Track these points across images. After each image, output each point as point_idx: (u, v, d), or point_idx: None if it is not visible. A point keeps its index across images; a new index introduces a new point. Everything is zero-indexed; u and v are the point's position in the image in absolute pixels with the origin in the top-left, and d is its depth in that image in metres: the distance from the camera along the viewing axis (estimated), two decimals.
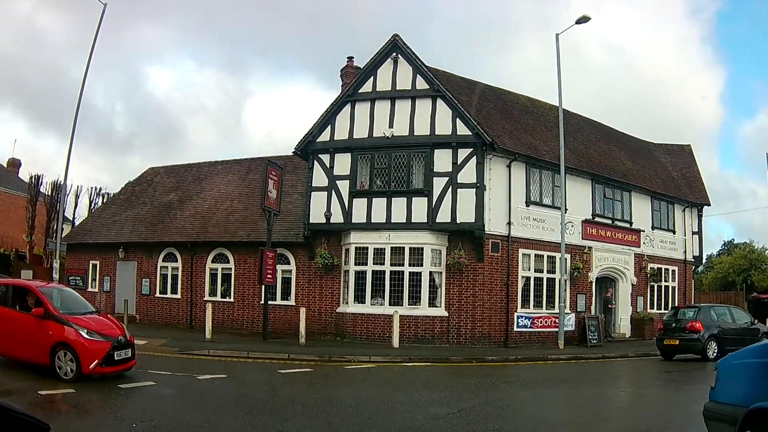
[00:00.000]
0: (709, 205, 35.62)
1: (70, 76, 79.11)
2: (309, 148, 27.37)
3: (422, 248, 25.32)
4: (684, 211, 34.76)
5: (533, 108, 31.50)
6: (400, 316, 24.16)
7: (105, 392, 12.95)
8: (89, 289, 34.12)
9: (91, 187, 57.87)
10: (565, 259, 26.21)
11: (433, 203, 25.28)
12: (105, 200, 46.41)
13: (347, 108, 27.15)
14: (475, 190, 24.99)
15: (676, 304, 30.77)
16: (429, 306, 25.23)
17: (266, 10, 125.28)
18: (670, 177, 35.59)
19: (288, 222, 28.74)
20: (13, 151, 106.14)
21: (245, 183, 33.47)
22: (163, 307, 31.84)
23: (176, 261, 31.64)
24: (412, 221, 25.47)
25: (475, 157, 25.19)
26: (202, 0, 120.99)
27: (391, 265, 25.48)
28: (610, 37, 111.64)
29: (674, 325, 23.22)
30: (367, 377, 17.56)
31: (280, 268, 27.83)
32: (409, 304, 25.12)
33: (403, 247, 25.43)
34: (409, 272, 25.28)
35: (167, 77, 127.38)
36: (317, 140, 27.25)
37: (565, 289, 26.18)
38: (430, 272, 25.32)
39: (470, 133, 25.16)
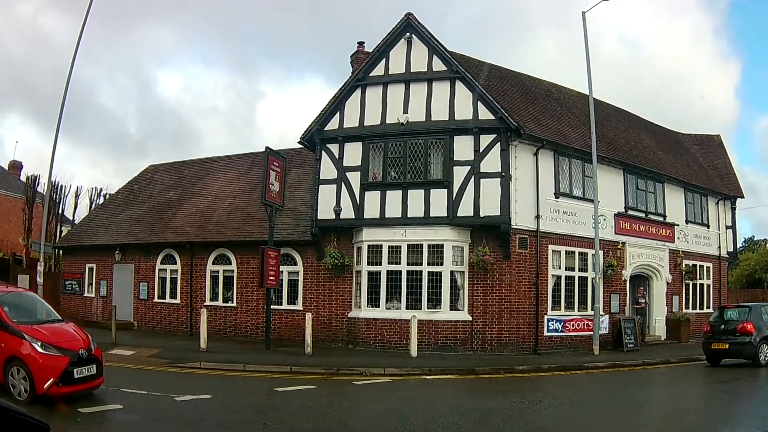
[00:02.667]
0: (742, 197, 32.14)
1: (79, 78, 76.12)
2: (316, 138, 23.86)
3: (442, 245, 21.89)
4: (717, 204, 31.19)
5: (558, 94, 28.06)
6: (418, 321, 20.72)
7: (56, 419, 10.07)
8: (86, 294, 31.09)
9: (92, 188, 54.19)
10: (599, 255, 22.84)
11: (454, 195, 21.87)
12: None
13: (357, 93, 23.73)
14: (499, 180, 21.55)
15: (722, 304, 27.18)
16: (450, 309, 21.79)
17: (275, 9, 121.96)
18: (701, 168, 32.05)
19: (295, 219, 25.44)
20: (15, 154, 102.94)
21: (249, 178, 29.96)
22: (162, 313, 28.32)
23: (175, 263, 28.14)
24: (431, 215, 22.06)
25: (499, 143, 21.76)
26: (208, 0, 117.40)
27: (408, 264, 22.07)
28: (624, 30, 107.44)
29: (723, 327, 19.83)
30: (380, 397, 14.15)
31: (285, 269, 24.61)
32: (428, 308, 21.69)
33: (421, 245, 22.02)
34: (428, 272, 21.85)
35: (177, 79, 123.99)
36: (325, 129, 23.80)
37: (599, 290, 22.80)
38: (452, 272, 21.89)
39: (493, 118, 21.75)
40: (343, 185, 23.41)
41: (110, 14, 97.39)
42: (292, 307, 24.78)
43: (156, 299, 28.70)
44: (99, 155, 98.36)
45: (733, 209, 32.13)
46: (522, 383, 16.22)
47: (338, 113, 23.86)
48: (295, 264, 24.97)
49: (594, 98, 23.55)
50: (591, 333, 22.52)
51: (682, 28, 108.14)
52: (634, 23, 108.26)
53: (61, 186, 43.24)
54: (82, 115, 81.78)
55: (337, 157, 23.71)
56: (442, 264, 21.88)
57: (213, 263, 27.08)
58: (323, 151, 23.97)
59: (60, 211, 43.43)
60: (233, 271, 26.49)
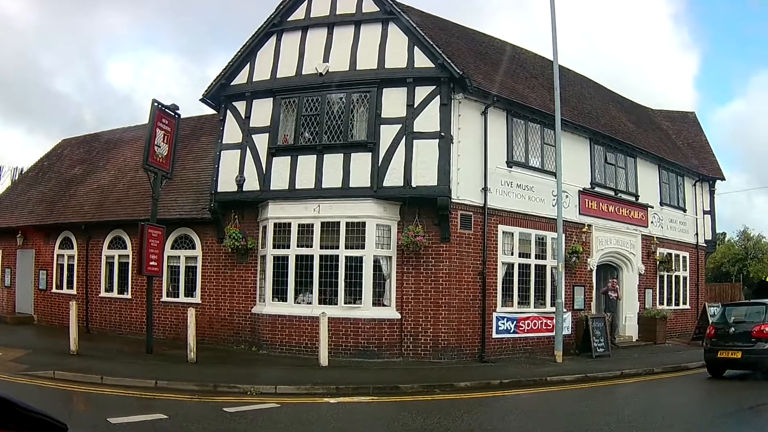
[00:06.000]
0: (723, 179, 26.80)
1: (39, 65, 69.48)
2: (221, 94, 18.36)
3: (364, 223, 16.25)
4: (695, 186, 25.72)
5: (516, 55, 22.44)
6: (334, 319, 15.48)
7: None
8: None
9: (14, 168, 45.72)
10: (561, 239, 17.37)
11: (380, 161, 16.23)
12: None
13: (272, 41, 18.14)
14: (438, 141, 15.93)
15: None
16: (374, 305, 16.20)
17: None
18: (675, 146, 26.56)
19: (197, 194, 19.71)
20: None
21: None
22: (60, 306, 22.12)
23: (72, 248, 22.29)
24: (351, 186, 16.46)
25: (438, 97, 16.13)
26: None
27: (322, 247, 16.46)
28: (579, 21, 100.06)
29: (732, 330, 14.22)
30: None
31: (183, 254, 19.37)
32: (345, 303, 16.14)
33: (338, 222, 16.42)
34: (347, 257, 16.25)
35: (130, 65, 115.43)
36: (232, 83, 18.26)
37: (561, 281, 17.34)
38: (376, 257, 16.27)
39: (432, 65, 16.18)
40: (248, 150, 17.76)
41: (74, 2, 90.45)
42: (189, 299, 18.97)
43: (54, 289, 22.91)
44: (51, 142, 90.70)
45: (712, 192, 26.66)
46: (462, 412, 10.60)
47: (248, 65, 18.27)
48: (194, 247, 19.32)
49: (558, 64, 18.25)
50: (551, 334, 17.02)
51: (639, 17, 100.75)
52: (588, 13, 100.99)
53: None
54: (41, 100, 74.52)
55: (243, 116, 18.07)
56: (363, 247, 16.23)
57: (109, 247, 21.28)
58: (228, 110, 18.40)
59: None
60: (129, 255, 20.63)
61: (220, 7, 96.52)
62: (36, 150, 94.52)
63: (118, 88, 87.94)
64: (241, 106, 18.12)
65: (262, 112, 17.79)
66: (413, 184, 15.91)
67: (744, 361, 13.79)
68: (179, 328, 18.25)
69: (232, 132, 18.14)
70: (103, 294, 21.05)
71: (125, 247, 20.83)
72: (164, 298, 19.33)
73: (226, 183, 17.84)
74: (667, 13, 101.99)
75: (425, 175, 15.87)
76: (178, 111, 17.79)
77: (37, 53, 79.60)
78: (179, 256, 19.37)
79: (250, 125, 17.85)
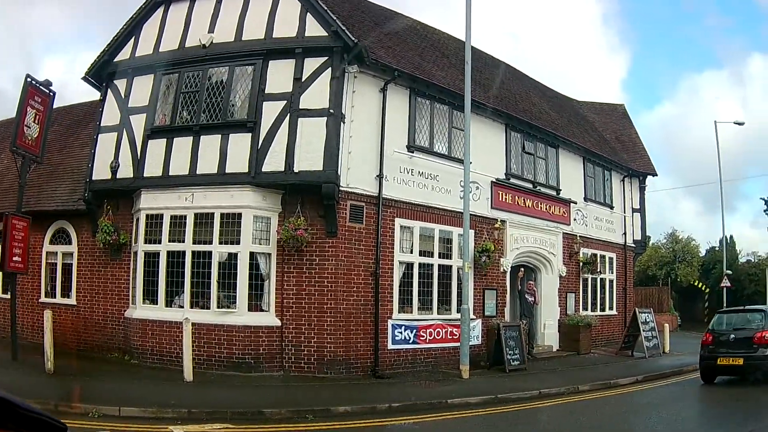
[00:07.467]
0: (654, 174, 25.26)
1: None
2: (104, 72, 16.24)
3: (240, 214, 14.00)
4: (623, 181, 24.10)
5: (425, 32, 20.42)
6: (206, 326, 13.54)
7: None
8: None
9: None
10: (469, 236, 15.34)
11: (260, 142, 13.98)
12: None
13: (159, 13, 16.09)
14: (326, 119, 13.77)
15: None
16: (250, 310, 13.97)
17: None
18: (602, 139, 24.96)
19: (76, 183, 17.49)
20: None
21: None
22: None
23: None
24: (227, 172, 14.20)
25: (330, 69, 13.95)
26: None
27: (195, 242, 14.24)
28: (504, 21, 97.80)
29: (732, 337, 14.46)
30: None
31: (60, 249, 17.32)
32: (219, 307, 13.87)
33: (213, 214, 14.17)
34: (220, 254, 14.03)
35: (63, 61, 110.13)
36: (115, 60, 16.16)
37: (468, 283, 15.36)
38: (252, 254, 14.02)
39: (325, 34, 14.04)
40: (125, 133, 15.56)
41: None
42: (66, 300, 16.99)
43: None
44: None
45: (642, 189, 25.06)
46: None
47: (133, 39, 16.16)
48: (71, 243, 17.22)
49: (474, 47, 16.42)
50: (458, 344, 14.88)
51: (567, 17, 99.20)
52: (514, 16, 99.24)
53: None
54: None
55: (123, 95, 15.92)
56: (239, 242, 13.96)
57: None
58: (109, 90, 16.27)
59: None
60: None
61: None
62: None
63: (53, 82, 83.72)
64: (122, 84, 16.13)
65: (142, 90, 15.78)
66: (296, 169, 13.70)
67: (746, 367, 13.92)
68: (56, 331, 15.65)
69: (111, 113, 16.14)
70: None
71: None
72: (43, 299, 17.32)
73: (102, 170, 15.76)
74: (596, 13, 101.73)
75: (310, 159, 13.66)
76: (51, 88, 15.54)
77: None
78: (57, 252, 17.38)
79: (129, 105, 15.78)
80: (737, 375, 14.42)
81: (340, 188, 13.92)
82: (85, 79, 16.76)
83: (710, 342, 14.88)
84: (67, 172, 18.13)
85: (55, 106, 16.38)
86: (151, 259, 14.73)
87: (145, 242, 14.81)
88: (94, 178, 15.79)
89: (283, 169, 13.78)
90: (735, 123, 30.41)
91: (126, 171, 15.34)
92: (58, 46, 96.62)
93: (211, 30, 15.24)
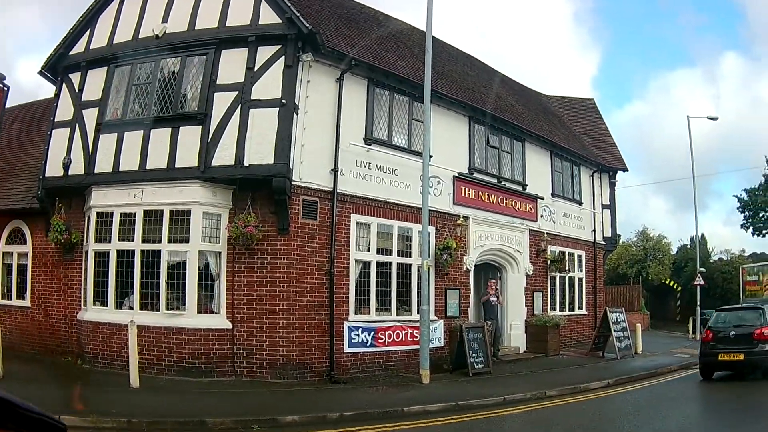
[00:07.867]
0: (625, 170, 24.94)
1: None
2: (60, 66, 15.88)
3: (189, 211, 13.37)
4: (592, 177, 23.70)
5: (387, 23, 19.84)
6: (155, 329, 13.07)
7: None
8: None
9: None
10: (429, 233, 14.81)
11: (210, 135, 13.35)
12: None
13: (115, 4, 15.57)
14: (278, 110, 13.15)
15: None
16: (200, 312, 13.33)
17: None
18: (571, 133, 24.54)
19: (31, 181, 16.97)
20: None
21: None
22: None
23: None
24: (176, 166, 13.59)
25: (283, 58, 13.37)
26: None
27: (145, 241, 13.65)
28: (475, 20, 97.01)
29: (732, 333, 15.17)
30: None
31: (15, 249, 16.95)
32: (168, 309, 13.25)
33: (162, 211, 13.58)
34: (169, 252, 13.42)
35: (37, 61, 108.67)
36: (71, 53, 15.75)
37: (429, 283, 14.81)
38: (202, 253, 13.40)
39: (279, 21, 13.46)
40: (77, 128, 15.08)
41: None
42: (21, 302, 16.56)
43: None
44: None
45: (612, 185, 24.74)
46: None
47: (88, 32, 15.74)
48: (25, 242, 16.80)
49: (436, 38, 15.94)
50: (417, 347, 14.30)
51: (538, 15, 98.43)
52: (483, 14, 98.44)
53: None
54: None
55: (77, 89, 15.44)
56: (188, 240, 13.32)
57: None
58: (64, 84, 15.82)
59: None
60: None
61: None
62: None
63: (24, 85, 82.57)
64: (76, 78, 15.68)
65: (95, 83, 15.35)
66: (246, 163, 13.07)
67: (747, 362, 14.55)
68: (12, 334, 15.73)
69: (65, 108, 15.71)
70: None
71: None
72: (1, 301, 16.96)
73: (55, 167, 15.26)
74: (567, 11, 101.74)
75: (260, 152, 13.06)
76: (5, 81, 14.66)
77: None
78: (13, 253, 16.95)
79: (82, 99, 15.29)
80: (737, 370, 14.95)
81: (293, 183, 13.34)
82: (41, 73, 16.40)
83: (710, 339, 15.51)
84: (25, 170, 17.67)
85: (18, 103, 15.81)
86: (102, 258, 14.18)
87: (96, 241, 14.25)
88: (47, 175, 15.31)
89: (233, 163, 13.18)
90: (708, 118, 30.05)
91: (78, 167, 14.86)
92: (34, 46, 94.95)
93: (165, 20, 14.67)
